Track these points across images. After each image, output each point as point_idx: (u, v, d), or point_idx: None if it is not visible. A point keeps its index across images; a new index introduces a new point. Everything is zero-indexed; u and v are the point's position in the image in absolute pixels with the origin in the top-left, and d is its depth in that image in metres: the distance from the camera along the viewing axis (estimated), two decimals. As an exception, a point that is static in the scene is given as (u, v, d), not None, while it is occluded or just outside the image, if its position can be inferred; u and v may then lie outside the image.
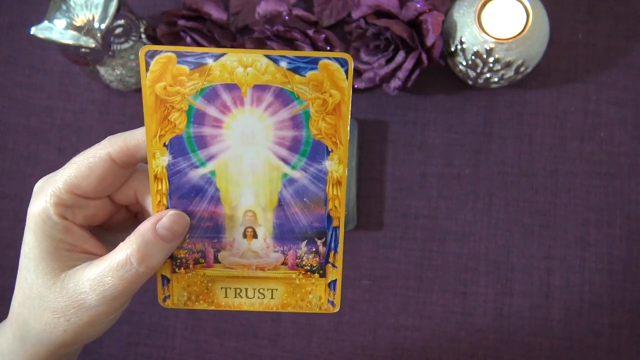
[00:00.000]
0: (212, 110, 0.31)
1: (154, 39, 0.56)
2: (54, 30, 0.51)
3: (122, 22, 0.53)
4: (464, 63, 0.52)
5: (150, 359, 0.56)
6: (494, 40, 0.49)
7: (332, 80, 0.31)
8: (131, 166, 0.33)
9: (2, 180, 0.59)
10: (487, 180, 0.56)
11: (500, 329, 0.54)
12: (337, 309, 0.35)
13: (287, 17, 0.54)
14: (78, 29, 0.51)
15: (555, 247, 0.55)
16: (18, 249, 0.58)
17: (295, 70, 0.30)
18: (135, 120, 0.59)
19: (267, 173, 0.32)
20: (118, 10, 0.52)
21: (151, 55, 0.30)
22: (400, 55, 0.53)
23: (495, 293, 0.54)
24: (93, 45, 0.52)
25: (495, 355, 0.54)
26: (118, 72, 0.56)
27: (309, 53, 0.30)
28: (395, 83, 0.54)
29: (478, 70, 0.52)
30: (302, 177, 0.32)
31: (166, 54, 0.30)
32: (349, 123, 0.32)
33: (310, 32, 0.54)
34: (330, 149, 0.32)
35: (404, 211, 0.56)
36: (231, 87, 0.31)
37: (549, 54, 0.55)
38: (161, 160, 0.32)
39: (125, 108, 0.59)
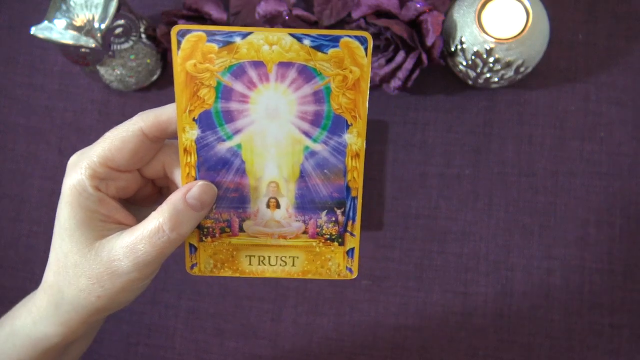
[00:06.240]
0: (239, 86, 0.32)
1: (154, 39, 0.56)
2: (54, 30, 0.51)
3: (122, 22, 0.53)
4: (464, 63, 0.52)
5: (150, 359, 0.56)
6: (494, 40, 0.49)
7: (352, 57, 0.32)
8: (161, 140, 0.34)
9: (2, 180, 0.59)
10: (487, 180, 0.56)
11: (500, 329, 0.54)
12: (354, 276, 0.36)
13: (287, 17, 0.54)
14: (78, 29, 0.51)
15: (555, 247, 0.55)
16: (18, 249, 0.58)
17: (318, 47, 0.32)
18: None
19: (290, 146, 0.34)
20: (118, 10, 0.52)
21: (182, 34, 0.31)
22: (400, 55, 0.53)
23: (495, 293, 0.54)
24: (93, 45, 0.52)
25: (495, 355, 0.54)
26: (118, 72, 0.56)
27: (331, 31, 0.32)
28: (395, 83, 0.54)
29: (478, 70, 0.52)
30: (322, 149, 0.34)
31: (197, 32, 0.31)
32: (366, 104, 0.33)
33: (310, 32, 0.54)
34: (349, 123, 0.34)
35: (404, 211, 0.56)
36: (257, 64, 0.32)
37: (549, 54, 0.55)
38: (190, 134, 0.33)
39: (125, 108, 0.59)
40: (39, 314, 0.35)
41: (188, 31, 0.31)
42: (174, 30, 0.31)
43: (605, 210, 0.55)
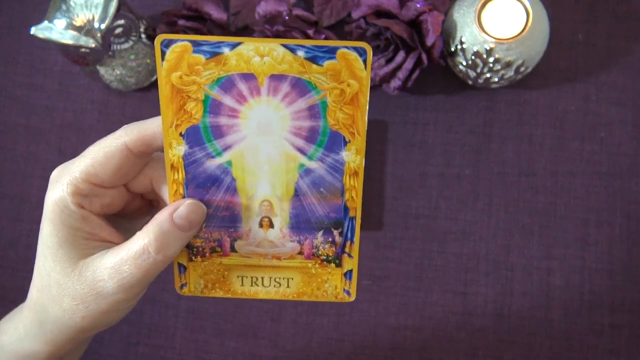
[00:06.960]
0: (228, 100, 0.31)
1: (154, 39, 0.56)
2: (54, 30, 0.51)
3: (122, 22, 0.53)
4: (464, 63, 0.52)
5: (150, 359, 0.56)
6: (494, 40, 0.49)
7: (350, 69, 0.30)
8: (147, 155, 0.33)
9: (2, 180, 0.59)
10: (487, 180, 0.56)
11: (500, 329, 0.54)
12: (352, 298, 0.35)
13: (287, 17, 0.54)
14: (78, 29, 0.51)
15: (555, 247, 0.55)
16: (18, 249, 0.58)
17: (313, 59, 0.30)
18: (135, 120, 0.59)
19: (284, 163, 0.32)
20: (118, 10, 0.52)
21: (167, 44, 0.30)
22: (400, 55, 0.53)
23: (495, 293, 0.54)
24: (93, 45, 0.52)
25: (495, 355, 0.54)
26: (118, 72, 0.56)
27: (326, 42, 0.30)
28: (395, 83, 0.54)
29: (478, 70, 0.52)
30: (318, 167, 0.32)
31: (182, 43, 0.30)
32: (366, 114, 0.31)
33: (310, 32, 0.54)
34: (347, 140, 0.32)
35: (404, 211, 0.56)
36: (248, 77, 0.30)
37: (549, 54, 0.55)
38: (177, 150, 0.32)
39: (125, 108, 0.59)
40: (25, 331, 0.34)
41: (173, 41, 0.29)
42: (158, 40, 0.29)
43: (605, 210, 0.55)
